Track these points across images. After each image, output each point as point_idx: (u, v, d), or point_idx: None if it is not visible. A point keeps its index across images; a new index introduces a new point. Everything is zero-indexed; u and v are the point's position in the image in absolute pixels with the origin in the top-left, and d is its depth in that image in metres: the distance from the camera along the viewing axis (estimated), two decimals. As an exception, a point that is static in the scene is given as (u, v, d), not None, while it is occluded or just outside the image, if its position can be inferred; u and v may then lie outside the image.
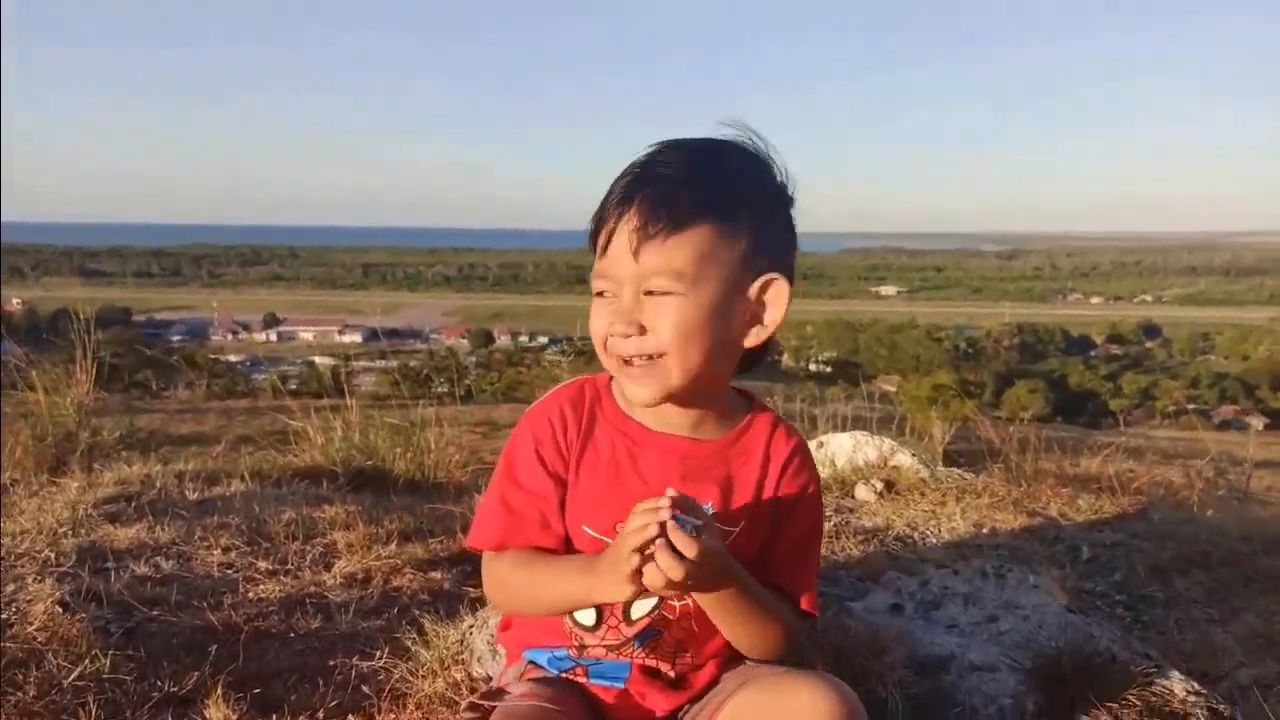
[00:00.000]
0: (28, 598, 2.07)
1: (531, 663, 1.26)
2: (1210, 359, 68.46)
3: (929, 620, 1.73)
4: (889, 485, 3.23)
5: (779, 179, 1.20)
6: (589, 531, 1.21)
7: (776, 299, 1.17)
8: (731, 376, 1.25)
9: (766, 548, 1.26)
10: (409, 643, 1.84)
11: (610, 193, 1.16)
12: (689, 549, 1.02)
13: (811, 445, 3.77)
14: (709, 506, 1.20)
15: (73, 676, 1.64)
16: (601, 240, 1.16)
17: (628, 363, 1.16)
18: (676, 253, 1.11)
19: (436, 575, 2.40)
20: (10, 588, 2.15)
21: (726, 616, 1.17)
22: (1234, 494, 3.46)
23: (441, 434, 4.55)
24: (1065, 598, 1.84)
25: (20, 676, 1.64)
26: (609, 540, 1.19)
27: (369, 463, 4.24)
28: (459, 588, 2.32)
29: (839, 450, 3.56)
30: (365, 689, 1.69)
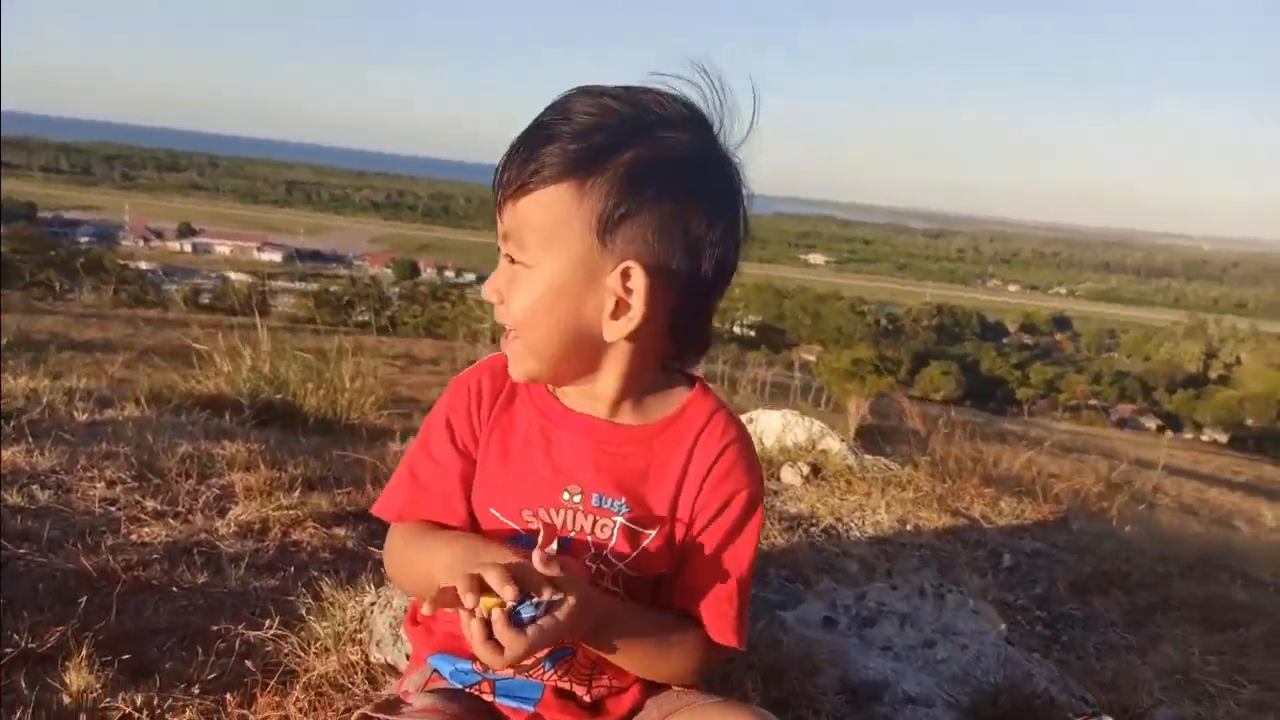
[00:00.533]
0: (-125, 523, 1.86)
1: (435, 671, 1.13)
2: (1114, 356, 71.44)
3: (863, 639, 1.66)
4: (815, 470, 3.19)
5: (696, 150, 1.00)
6: (496, 514, 1.09)
7: (638, 288, 0.98)
8: (644, 361, 1.07)
9: (683, 561, 1.11)
10: (303, 610, 1.70)
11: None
12: (513, 644, 0.90)
13: (743, 418, 3.72)
14: (621, 502, 1.08)
15: (-86, 625, 1.45)
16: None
17: (506, 333, 1.07)
18: (525, 214, 0.99)
19: (340, 532, 2.26)
20: None
21: (613, 655, 1.06)
22: (1143, 503, 3.52)
23: (358, 369, 4.36)
24: (1003, 624, 1.80)
25: None
26: (515, 526, 1.08)
27: (278, 396, 4.02)
28: (363, 547, 2.18)
29: (768, 428, 3.49)
30: (249, 663, 1.54)
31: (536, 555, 0.92)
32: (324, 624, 1.62)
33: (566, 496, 1.08)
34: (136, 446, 2.67)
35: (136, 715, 1.37)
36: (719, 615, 1.10)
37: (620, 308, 1.00)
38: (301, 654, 1.57)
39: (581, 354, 1.04)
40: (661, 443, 1.09)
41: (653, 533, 1.08)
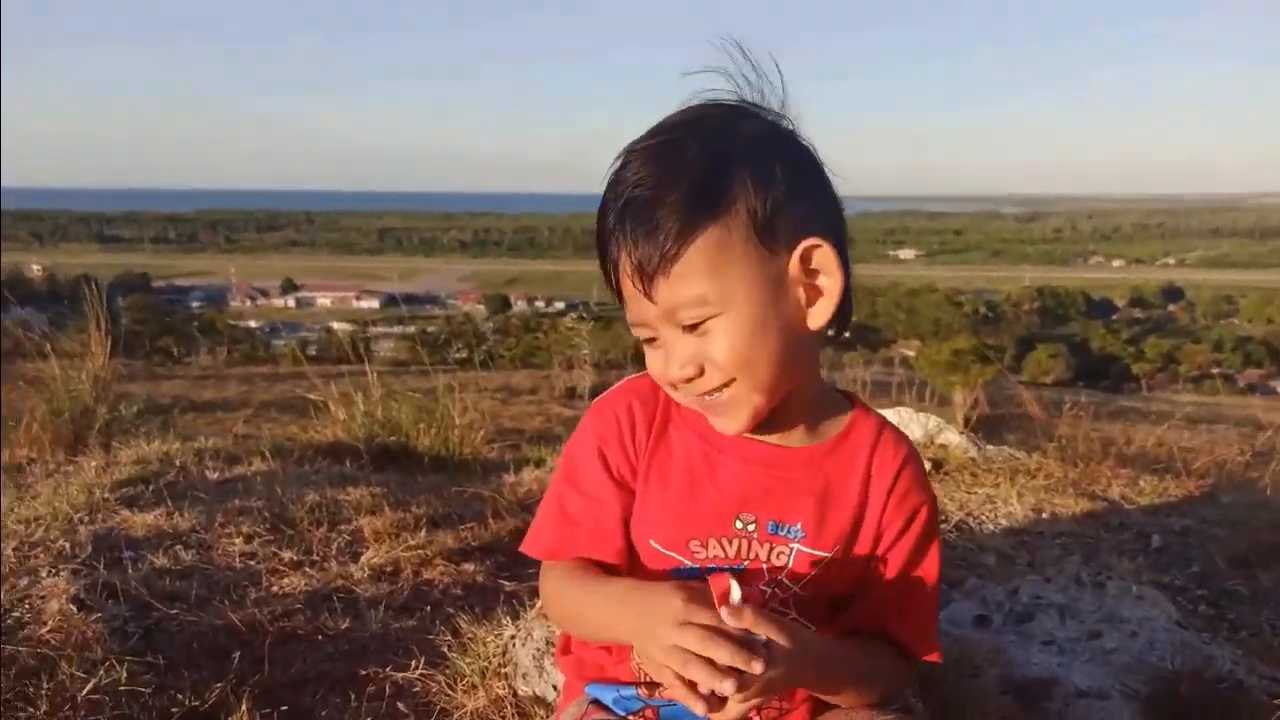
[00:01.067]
0: (41, 593, 1.96)
1: (595, 702, 1.11)
2: (1234, 323, 67.66)
3: (1022, 635, 1.59)
4: (937, 465, 3.09)
5: (770, 124, 0.99)
6: (657, 547, 1.05)
7: (825, 263, 0.96)
8: (818, 362, 1.06)
9: (871, 581, 1.08)
10: (445, 648, 1.71)
11: (598, 230, 0.99)
12: (736, 711, 0.88)
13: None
14: (798, 528, 1.04)
15: (87, 689, 1.52)
16: (613, 285, 1.00)
17: (702, 397, 1.01)
18: (688, 281, 0.94)
19: (469, 567, 2.28)
20: (23, 582, 2.05)
21: (823, 690, 1.04)
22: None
23: (464, 405, 4.43)
24: (1172, 607, 1.69)
25: (31, 688, 1.53)
26: (680, 558, 1.04)
27: (392, 438, 4.12)
28: (493, 581, 2.19)
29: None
30: (401, 705, 1.57)
31: (725, 614, 0.88)
32: (468, 660, 1.63)
33: (740, 525, 1.04)
34: (267, 500, 2.76)
35: (299, 765, 1.40)
36: (918, 631, 1.09)
37: (813, 293, 0.98)
38: (450, 692, 1.58)
39: (797, 364, 1.01)
40: (834, 463, 1.06)
41: (829, 555, 1.05)
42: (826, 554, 1.05)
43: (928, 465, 3.10)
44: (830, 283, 0.97)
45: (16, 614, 1.88)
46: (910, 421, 3.44)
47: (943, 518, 2.66)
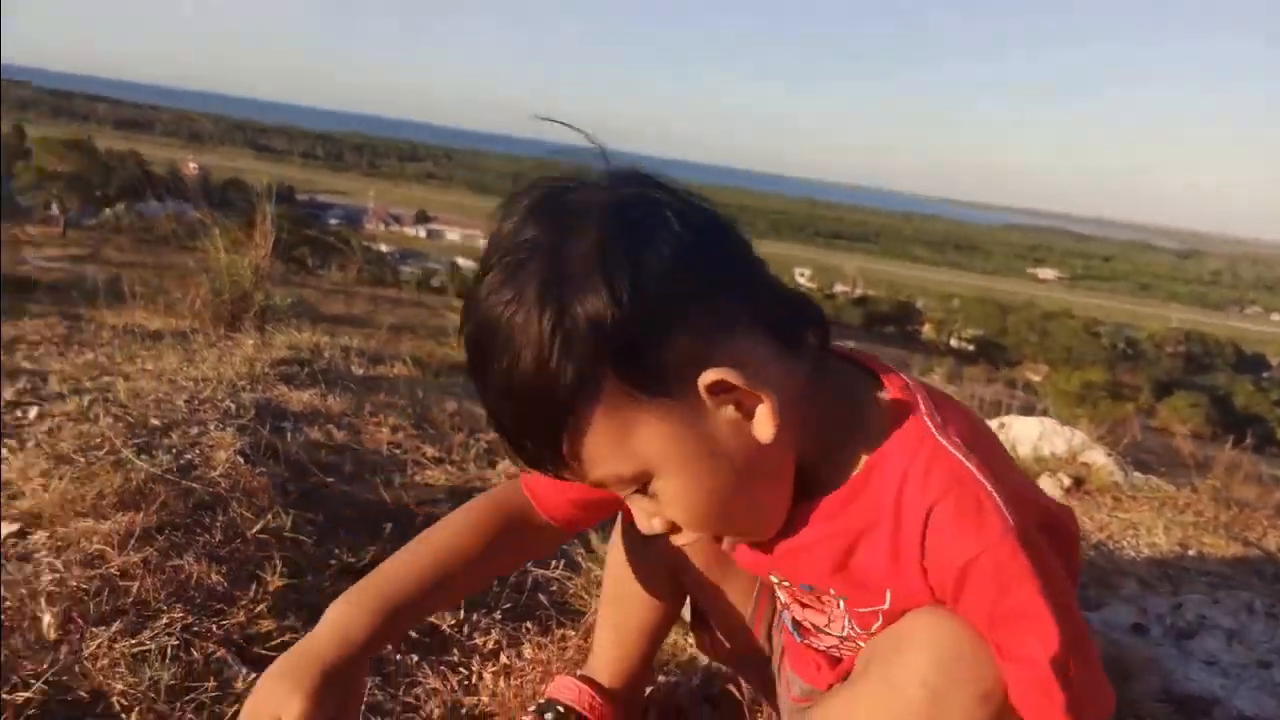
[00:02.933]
0: (210, 443, 2.09)
1: None
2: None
3: (1182, 650, 1.52)
4: (1078, 482, 2.97)
5: (607, 231, 0.76)
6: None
7: (740, 382, 0.77)
8: (805, 425, 0.84)
9: None
10: (578, 557, 1.76)
11: None
12: None
13: (993, 426, 3.52)
14: (831, 592, 0.91)
15: (256, 529, 1.62)
16: None
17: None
18: (593, 470, 0.80)
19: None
20: (194, 430, 2.18)
21: None
22: None
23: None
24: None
25: (207, 519, 1.64)
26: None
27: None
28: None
29: (1022, 436, 3.30)
30: (541, 597, 1.62)
31: None
32: (600, 571, 1.67)
33: (775, 579, 0.97)
34: (410, 399, 2.87)
35: (451, 631, 1.47)
36: (1031, 712, 0.81)
37: (747, 404, 0.79)
38: (584, 595, 1.62)
39: (776, 471, 0.85)
40: (853, 514, 0.86)
41: (885, 607, 0.87)
42: (880, 606, 0.88)
43: (1066, 481, 2.99)
44: (759, 394, 0.78)
45: (189, 456, 2.00)
46: (1054, 434, 3.32)
47: (1083, 537, 2.56)
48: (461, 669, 1.39)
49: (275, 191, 5.13)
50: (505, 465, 2.39)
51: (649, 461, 0.79)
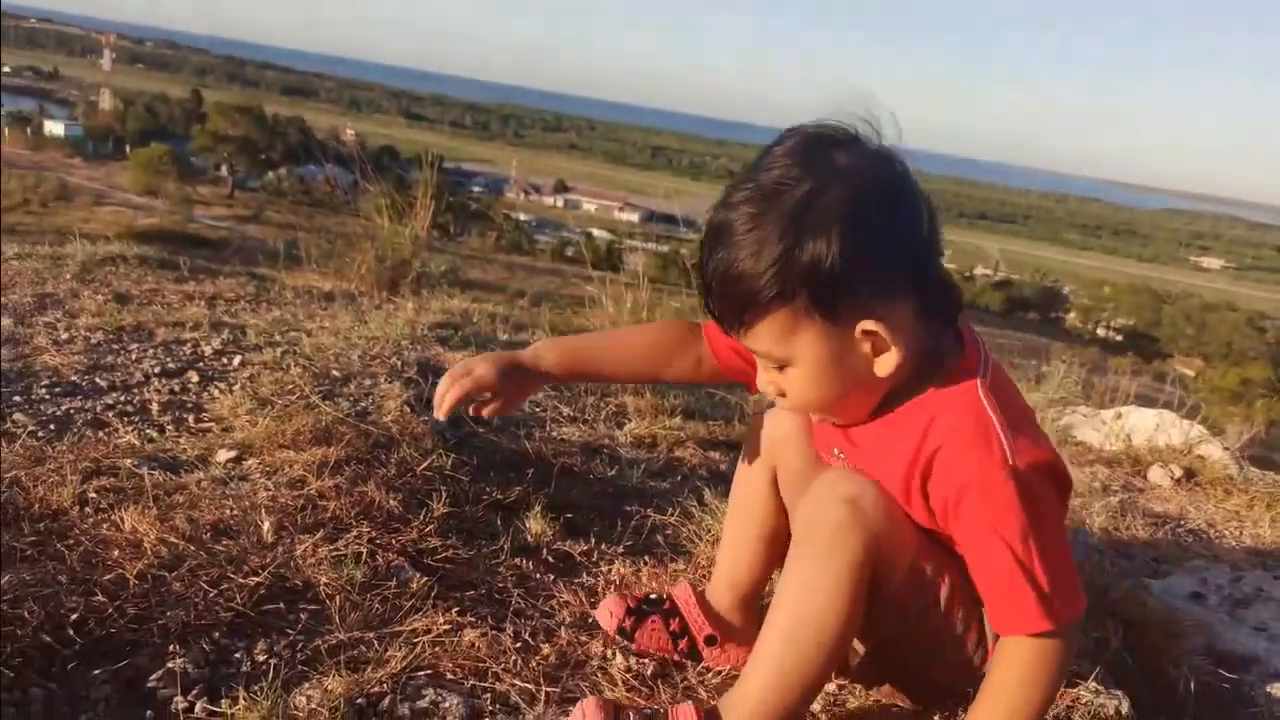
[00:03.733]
0: (381, 394, 2.43)
1: None
2: None
3: (1234, 618, 1.64)
4: (1189, 474, 3.01)
5: (856, 185, 1.04)
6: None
7: (886, 337, 1.07)
8: (908, 366, 1.11)
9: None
10: (693, 508, 2.00)
11: (700, 259, 1.15)
12: None
13: (1108, 415, 3.56)
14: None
15: (423, 466, 1.93)
16: None
17: None
18: (759, 341, 1.11)
19: (715, 455, 2.56)
20: (367, 383, 2.53)
21: None
22: None
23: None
24: None
25: (383, 456, 1.96)
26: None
27: (655, 337, 4.50)
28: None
29: (1139, 425, 3.33)
30: (659, 538, 1.88)
31: None
32: (713, 520, 1.90)
33: (837, 452, 1.26)
34: (548, 364, 3.17)
35: (579, 558, 1.74)
36: (1006, 607, 1.08)
37: (878, 348, 1.09)
38: (696, 540, 1.86)
39: (871, 392, 1.15)
40: (893, 431, 1.16)
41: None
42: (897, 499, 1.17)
43: (1177, 472, 3.03)
44: (891, 347, 1.08)
45: (364, 404, 2.35)
46: (1170, 426, 3.34)
47: (1181, 522, 2.63)
48: (588, 588, 1.66)
49: (431, 160, 5.52)
50: (632, 427, 2.65)
51: (796, 356, 1.10)
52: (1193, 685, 1.37)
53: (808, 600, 1.13)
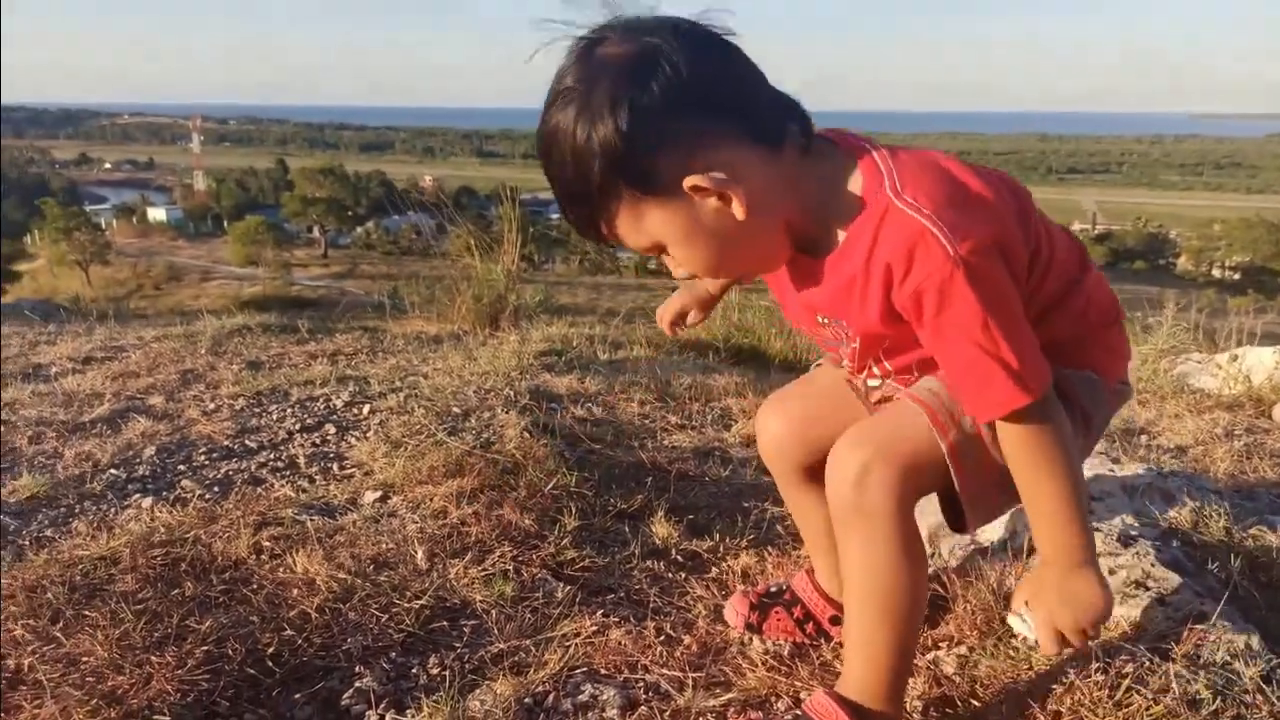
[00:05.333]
0: (501, 424, 2.58)
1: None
2: None
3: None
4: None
5: (622, 64, 1.05)
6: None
7: (716, 185, 1.07)
8: (798, 194, 1.14)
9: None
10: (808, 498, 2.08)
11: None
12: None
13: (1222, 359, 3.48)
14: (843, 322, 1.22)
15: (550, 486, 2.07)
16: None
17: None
18: (624, 240, 1.14)
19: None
20: (486, 415, 2.70)
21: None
22: None
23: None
24: None
25: (512, 481, 2.10)
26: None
27: (746, 341, 4.59)
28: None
29: (1257, 365, 3.25)
30: (779, 528, 1.97)
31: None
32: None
33: (821, 320, 1.26)
34: (650, 377, 3.28)
35: (706, 555, 1.85)
36: (980, 393, 1.10)
37: (723, 197, 1.09)
38: (815, 528, 1.95)
39: (757, 236, 1.14)
40: (846, 263, 1.14)
41: (882, 331, 1.18)
42: (879, 330, 1.19)
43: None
44: (733, 192, 1.07)
45: (486, 434, 2.51)
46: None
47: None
48: (719, 581, 1.76)
49: (510, 196, 5.71)
50: (739, 427, 2.75)
51: (660, 236, 1.13)
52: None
53: (866, 580, 1.20)
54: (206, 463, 2.42)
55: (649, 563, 1.82)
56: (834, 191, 1.14)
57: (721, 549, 1.88)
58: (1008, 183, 1.18)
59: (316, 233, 57.97)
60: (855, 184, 1.13)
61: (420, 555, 1.79)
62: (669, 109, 1.05)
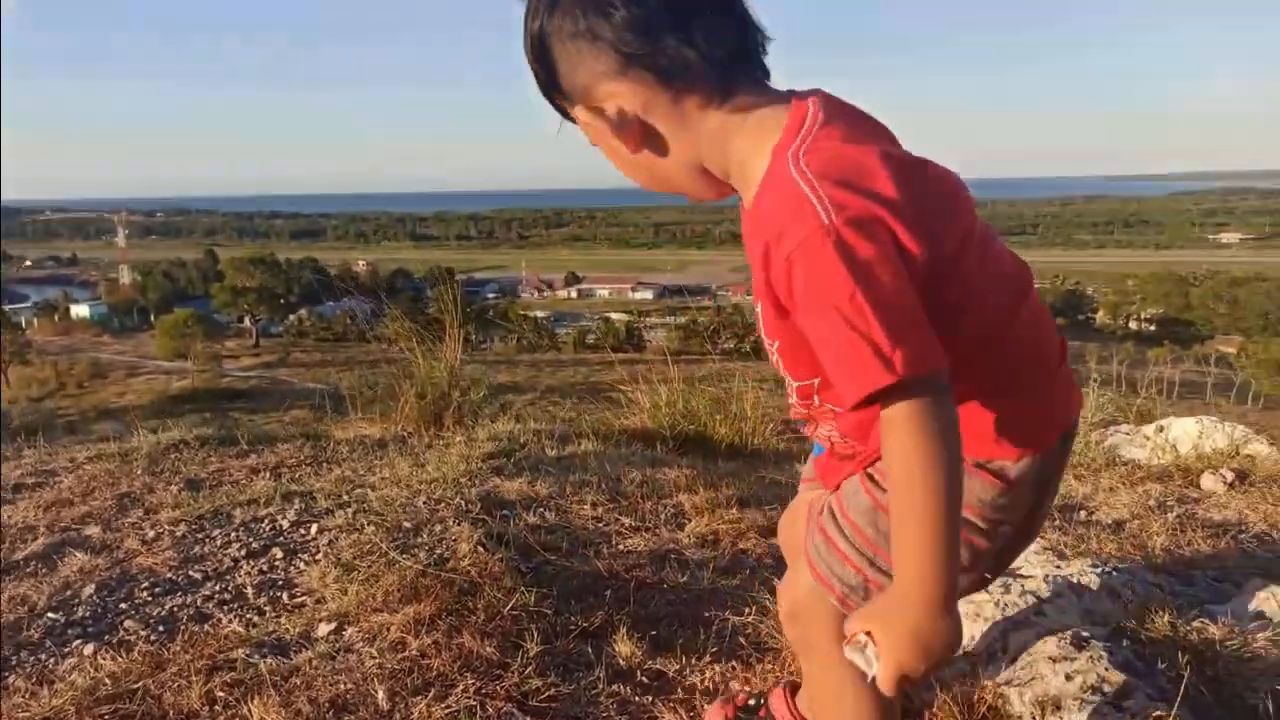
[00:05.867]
0: (454, 537, 2.56)
1: None
2: None
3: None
4: (1241, 476, 3.06)
5: None
6: None
7: (612, 116, 1.12)
8: (721, 135, 1.13)
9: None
10: (767, 603, 2.09)
11: None
12: None
13: (1150, 430, 3.62)
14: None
15: (509, 606, 2.04)
16: None
17: None
18: (583, 132, 1.19)
19: (777, 543, 2.65)
20: (439, 528, 2.67)
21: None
22: None
23: (758, 402, 4.84)
24: None
25: (470, 603, 2.08)
26: None
27: (691, 428, 4.63)
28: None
29: (1182, 435, 3.39)
30: (741, 639, 1.97)
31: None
32: (790, 614, 2.00)
33: (769, 343, 1.23)
34: (600, 475, 3.29)
35: (672, 675, 1.84)
36: (846, 373, 0.98)
37: (633, 136, 1.14)
38: (777, 634, 1.95)
39: (668, 174, 1.18)
40: (752, 224, 1.12)
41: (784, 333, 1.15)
42: (774, 321, 1.14)
43: (1229, 475, 3.08)
44: (627, 126, 1.13)
45: (439, 550, 2.48)
46: (1213, 430, 3.39)
47: (1242, 528, 2.67)
48: (685, 703, 1.75)
49: (433, 276, 5.73)
50: (692, 526, 2.76)
51: (591, 137, 1.17)
52: (1272, 708, 1.43)
53: (821, 705, 1.36)
54: (149, 599, 2.34)
55: (614, 686, 1.80)
56: (759, 150, 1.10)
57: (686, 668, 1.87)
58: (947, 184, 1.15)
59: (248, 322, 57.05)
60: (773, 142, 1.09)
61: (381, 695, 1.75)
62: (585, 29, 1.09)
